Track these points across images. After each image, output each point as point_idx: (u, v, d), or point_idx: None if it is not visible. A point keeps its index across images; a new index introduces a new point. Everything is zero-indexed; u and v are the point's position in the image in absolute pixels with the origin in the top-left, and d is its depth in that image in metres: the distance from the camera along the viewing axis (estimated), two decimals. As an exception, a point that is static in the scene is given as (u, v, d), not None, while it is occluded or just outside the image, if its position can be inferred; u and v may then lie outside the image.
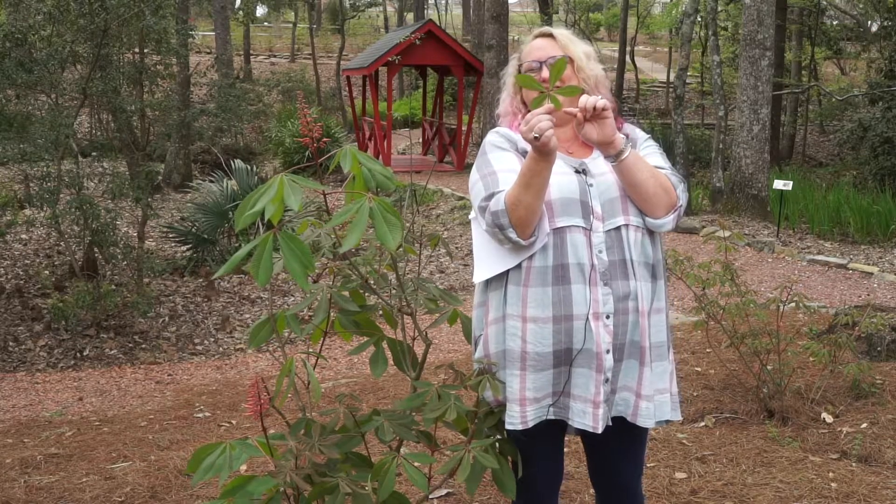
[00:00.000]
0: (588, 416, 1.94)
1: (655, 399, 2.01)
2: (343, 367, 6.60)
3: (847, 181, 14.40)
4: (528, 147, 1.97)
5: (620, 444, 2.08)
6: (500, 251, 1.97)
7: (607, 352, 1.92)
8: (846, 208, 11.04)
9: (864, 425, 3.83)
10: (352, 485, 1.86)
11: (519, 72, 2.11)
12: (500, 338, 2.00)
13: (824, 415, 3.98)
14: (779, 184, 10.69)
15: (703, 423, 4.03)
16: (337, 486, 1.84)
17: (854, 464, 3.48)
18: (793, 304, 4.00)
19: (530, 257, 1.94)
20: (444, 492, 3.27)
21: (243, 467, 3.52)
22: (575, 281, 1.92)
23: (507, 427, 1.98)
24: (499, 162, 2.01)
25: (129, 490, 3.44)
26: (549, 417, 1.99)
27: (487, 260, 2.01)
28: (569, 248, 1.93)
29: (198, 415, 5.04)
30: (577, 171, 1.99)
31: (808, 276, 8.79)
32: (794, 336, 4.62)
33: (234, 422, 4.76)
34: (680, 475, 3.40)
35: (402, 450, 2.06)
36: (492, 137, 2.09)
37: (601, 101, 1.90)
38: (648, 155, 2.06)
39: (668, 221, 1.99)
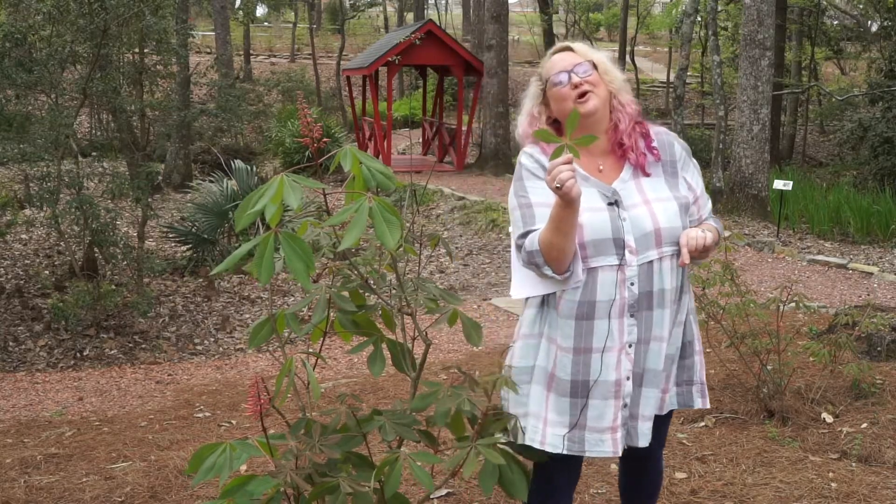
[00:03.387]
0: (607, 443, 2.05)
1: (683, 388, 2.18)
2: (343, 367, 6.60)
3: (847, 181, 14.39)
4: None
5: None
6: (537, 276, 2.06)
7: (627, 378, 2.04)
8: (846, 208, 11.04)
9: (864, 425, 3.83)
10: (353, 484, 1.85)
11: (544, 89, 2.14)
12: (527, 352, 2.10)
13: (824, 415, 3.98)
14: (779, 184, 10.69)
15: (703, 423, 4.03)
16: (338, 486, 1.84)
17: (854, 464, 3.49)
18: (793, 304, 4.00)
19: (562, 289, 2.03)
20: (444, 492, 3.27)
21: (243, 467, 3.52)
22: (599, 316, 2.01)
23: (527, 442, 2.06)
24: (535, 193, 2.06)
25: (129, 490, 3.44)
26: (564, 452, 2.06)
27: (525, 282, 2.11)
28: (598, 287, 2.01)
29: (198, 415, 5.04)
30: (609, 204, 2.04)
31: (808, 276, 8.79)
32: (794, 336, 4.62)
33: (234, 422, 4.76)
34: (680, 475, 3.40)
35: (402, 450, 2.06)
36: (527, 161, 2.11)
37: (708, 238, 2.02)
38: (689, 172, 2.17)
39: (707, 258, 2.19)
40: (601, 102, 2.07)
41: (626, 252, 2.01)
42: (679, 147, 2.18)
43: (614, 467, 3.53)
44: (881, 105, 14.56)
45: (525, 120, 2.18)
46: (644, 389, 2.08)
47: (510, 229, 2.11)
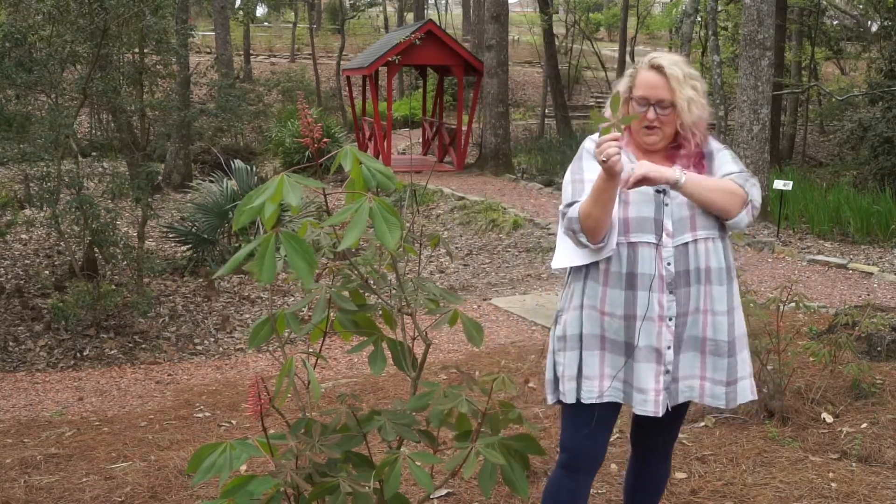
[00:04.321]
0: (650, 403, 2.25)
1: (738, 385, 2.31)
2: (343, 367, 6.60)
3: (847, 181, 14.39)
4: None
5: (664, 419, 2.34)
6: (577, 248, 2.29)
7: (668, 348, 2.25)
8: (846, 208, 11.03)
9: (864, 425, 3.83)
10: (353, 484, 1.85)
11: (629, 97, 2.32)
12: (576, 322, 2.31)
13: (824, 415, 3.99)
14: (779, 184, 10.68)
15: (703, 423, 4.03)
16: (338, 486, 1.84)
17: (854, 464, 3.49)
18: (793, 304, 4.00)
19: (608, 261, 2.26)
20: (444, 492, 3.27)
21: (243, 467, 3.53)
22: (641, 288, 2.23)
23: (584, 400, 2.28)
24: (589, 171, 2.30)
25: (129, 490, 3.44)
26: (618, 399, 2.30)
27: (566, 252, 2.35)
28: (639, 260, 2.24)
29: (198, 415, 5.04)
30: (657, 192, 2.26)
31: (808, 276, 8.79)
32: (794, 336, 4.62)
33: (234, 422, 4.77)
34: (680, 475, 3.40)
35: (402, 450, 2.06)
36: (589, 146, 2.36)
37: (636, 172, 2.16)
38: (723, 164, 2.34)
39: (741, 218, 2.27)
40: (664, 138, 2.31)
41: (664, 234, 2.24)
42: (716, 144, 2.38)
43: (614, 467, 3.53)
44: (881, 105, 14.55)
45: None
46: (682, 355, 2.26)
47: (561, 208, 2.33)
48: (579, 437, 2.34)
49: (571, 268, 2.36)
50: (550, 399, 2.40)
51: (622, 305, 2.24)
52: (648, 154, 2.34)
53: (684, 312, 2.25)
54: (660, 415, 2.25)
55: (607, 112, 2.38)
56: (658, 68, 2.28)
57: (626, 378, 2.28)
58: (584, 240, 2.22)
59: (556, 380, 2.37)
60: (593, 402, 2.27)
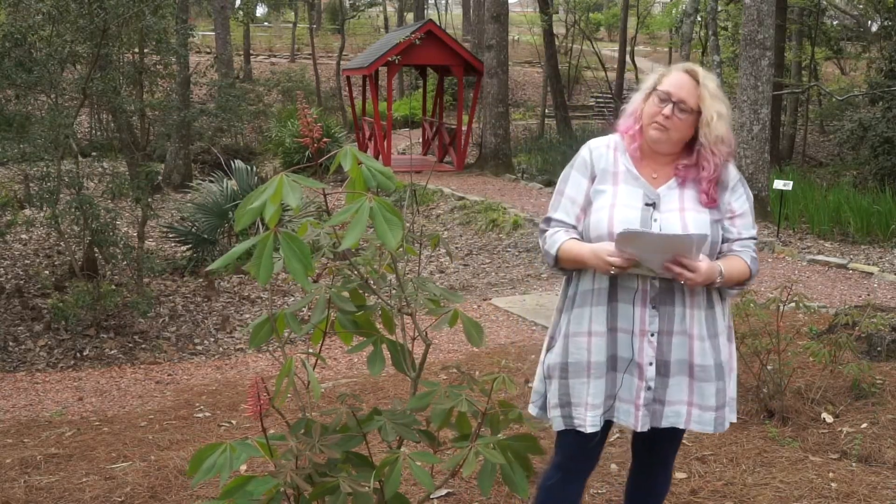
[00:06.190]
0: (631, 415, 2.24)
1: (726, 409, 2.30)
2: (343, 367, 6.60)
3: (847, 181, 14.38)
4: (612, 166, 2.28)
5: (666, 434, 2.34)
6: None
7: (650, 364, 2.21)
8: (846, 208, 11.03)
9: (864, 425, 3.83)
10: (353, 484, 1.85)
11: (652, 91, 2.27)
12: (563, 352, 2.29)
13: (824, 415, 3.98)
14: (779, 184, 10.68)
15: (703, 423, 4.03)
16: (338, 486, 1.84)
17: (854, 464, 3.49)
18: (793, 304, 4.00)
19: (591, 279, 2.24)
20: (444, 492, 3.27)
21: (243, 467, 3.52)
22: (624, 300, 2.21)
23: (576, 427, 2.25)
24: (571, 186, 2.31)
25: (129, 490, 3.44)
26: (597, 427, 2.27)
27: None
28: (623, 273, 2.18)
29: (198, 415, 5.04)
30: (646, 205, 2.22)
31: (808, 276, 8.79)
32: (794, 336, 4.62)
33: (234, 422, 4.76)
34: (680, 475, 3.40)
35: (402, 450, 2.06)
36: (585, 154, 2.33)
37: (691, 273, 2.13)
38: (737, 214, 2.28)
39: (734, 293, 2.30)
40: (670, 144, 2.24)
41: None
42: (733, 173, 2.30)
43: (615, 467, 3.53)
44: (881, 105, 14.56)
45: (639, 101, 2.31)
46: (671, 379, 2.22)
47: (541, 221, 2.37)
48: (573, 447, 2.35)
49: (562, 295, 2.35)
50: (532, 409, 2.39)
51: (605, 320, 2.22)
52: (652, 156, 2.29)
53: (668, 331, 2.20)
54: (638, 430, 2.24)
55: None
56: (692, 74, 2.25)
57: (610, 392, 2.25)
58: (555, 270, 2.29)
59: (544, 395, 2.36)
60: (585, 430, 2.25)
